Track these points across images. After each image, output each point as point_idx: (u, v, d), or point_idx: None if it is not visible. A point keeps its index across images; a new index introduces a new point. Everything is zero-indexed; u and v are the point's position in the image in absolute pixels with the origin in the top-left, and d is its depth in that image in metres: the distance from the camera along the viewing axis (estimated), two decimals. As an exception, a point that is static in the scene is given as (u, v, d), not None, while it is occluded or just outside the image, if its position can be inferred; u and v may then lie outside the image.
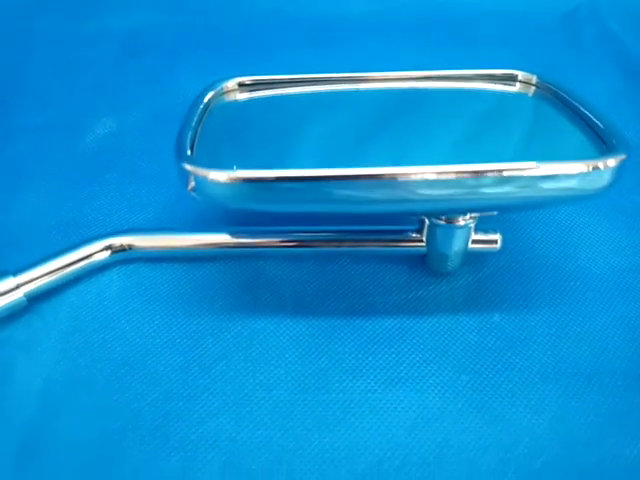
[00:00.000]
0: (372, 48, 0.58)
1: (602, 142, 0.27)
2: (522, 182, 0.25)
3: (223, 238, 0.36)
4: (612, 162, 0.25)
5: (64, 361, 0.31)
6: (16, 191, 0.42)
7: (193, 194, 0.27)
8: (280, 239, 0.35)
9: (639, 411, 0.29)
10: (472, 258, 0.36)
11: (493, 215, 0.33)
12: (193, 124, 0.30)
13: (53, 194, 0.42)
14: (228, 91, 0.34)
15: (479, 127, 0.32)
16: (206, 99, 0.33)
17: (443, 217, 0.32)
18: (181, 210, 0.40)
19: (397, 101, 0.34)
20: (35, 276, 0.33)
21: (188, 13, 0.64)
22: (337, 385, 0.30)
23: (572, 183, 0.25)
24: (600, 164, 0.25)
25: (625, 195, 0.42)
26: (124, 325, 0.33)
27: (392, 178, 0.25)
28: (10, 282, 0.32)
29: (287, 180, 0.25)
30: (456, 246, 0.34)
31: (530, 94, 0.34)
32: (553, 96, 0.33)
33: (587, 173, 0.25)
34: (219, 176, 0.25)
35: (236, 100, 0.34)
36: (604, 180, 0.25)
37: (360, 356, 0.32)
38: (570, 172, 0.25)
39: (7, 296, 0.32)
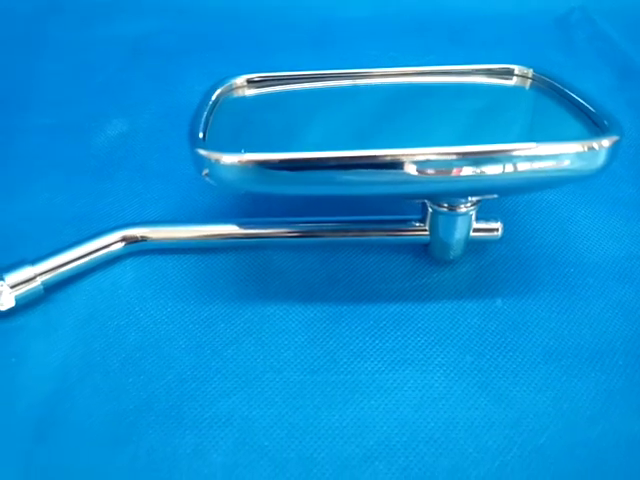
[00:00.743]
0: (372, 51, 0.60)
1: (597, 126, 0.29)
2: (522, 162, 0.26)
3: (232, 229, 0.37)
4: (606, 142, 0.26)
5: (80, 346, 0.32)
6: (29, 187, 0.43)
7: (207, 179, 0.28)
8: (287, 230, 0.37)
9: (639, 388, 0.30)
10: (474, 247, 0.37)
11: (494, 198, 0.34)
12: (204, 116, 0.31)
13: (66, 190, 0.43)
14: (236, 87, 0.36)
15: (479, 117, 0.33)
16: (216, 94, 0.34)
17: (445, 204, 0.33)
18: (190, 204, 0.41)
19: (400, 95, 0.36)
20: (52, 266, 0.34)
21: (193, 19, 0.67)
22: (345, 367, 0.31)
23: (569, 163, 0.26)
24: (595, 144, 0.26)
25: (622, 188, 0.44)
26: (138, 312, 0.34)
27: (395, 159, 0.26)
28: (28, 271, 0.33)
29: (293, 162, 0.27)
30: (458, 233, 0.35)
31: (527, 87, 0.36)
32: (548, 87, 0.34)
33: (583, 153, 0.26)
34: (231, 159, 0.26)
35: (244, 95, 0.36)
36: (599, 160, 0.27)
37: (367, 339, 0.33)
38: (567, 152, 0.26)
39: (25, 285, 0.33)
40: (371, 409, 0.29)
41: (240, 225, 0.37)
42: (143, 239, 0.36)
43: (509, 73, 0.36)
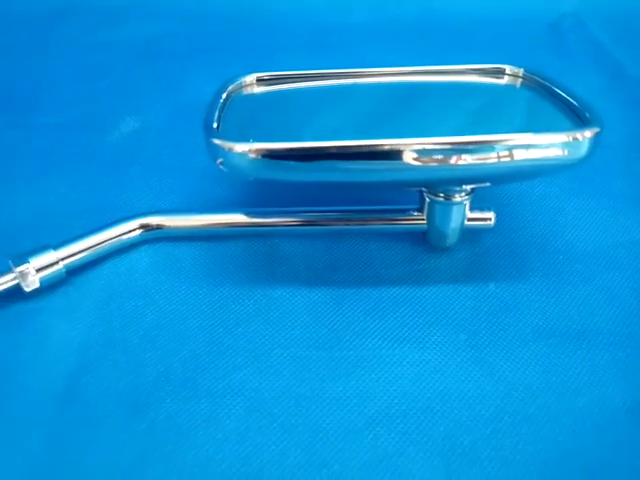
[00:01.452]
0: (370, 54, 0.63)
1: (580, 120, 0.31)
2: (512, 151, 0.28)
3: (241, 218, 0.39)
4: (588, 133, 0.29)
5: (100, 324, 0.34)
6: (46, 182, 0.45)
7: (221, 167, 0.30)
8: (293, 218, 0.39)
9: (621, 364, 0.32)
10: (469, 235, 0.40)
11: (486, 187, 0.37)
12: (217, 110, 0.33)
13: (82, 184, 0.45)
14: (247, 85, 0.38)
15: (473, 113, 0.36)
16: (227, 91, 0.36)
17: (441, 194, 0.35)
18: (201, 196, 0.44)
19: (398, 92, 0.38)
20: (74, 251, 0.36)
21: (200, 22, 0.70)
22: (348, 344, 0.33)
23: (554, 152, 0.29)
24: (579, 135, 0.29)
25: (611, 181, 0.46)
26: (154, 294, 0.36)
27: (393, 148, 0.28)
28: (52, 256, 0.35)
29: (298, 150, 0.29)
30: (454, 222, 0.37)
31: (517, 85, 0.38)
32: (538, 86, 0.37)
33: (567, 142, 0.29)
34: (242, 148, 0.29)
35: (254, 93, 0.38)
36: (582, 150, 0.29)
37: (368, 319, 0.35)
38: (553, 141, 0.29)
39: (49, 268, 0.35)
40: (372, 381, 0.32)
41: (248, 214, 0.39)
42: (159, 227, 0.38)
43: (500, 72, 0.39)
